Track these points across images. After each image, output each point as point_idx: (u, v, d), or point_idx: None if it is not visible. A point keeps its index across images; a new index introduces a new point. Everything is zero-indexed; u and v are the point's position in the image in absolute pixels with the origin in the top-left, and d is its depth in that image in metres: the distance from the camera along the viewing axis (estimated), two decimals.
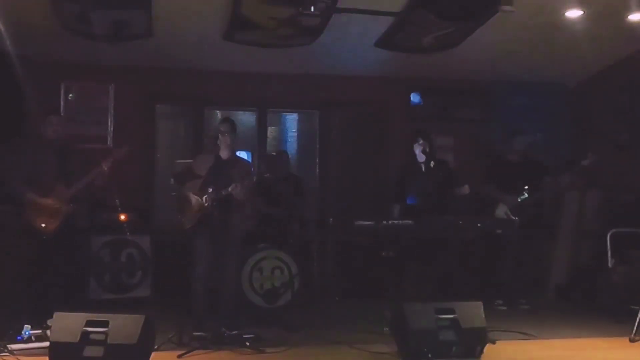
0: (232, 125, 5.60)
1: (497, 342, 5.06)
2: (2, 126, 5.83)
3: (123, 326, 4.15)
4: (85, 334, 4.10)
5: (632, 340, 5.36)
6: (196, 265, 5.49)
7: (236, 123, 5.73)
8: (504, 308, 6.70)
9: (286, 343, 5.15)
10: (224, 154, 5.55)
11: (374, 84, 7.93)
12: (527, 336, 5.53)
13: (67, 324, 4.15)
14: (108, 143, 7.25)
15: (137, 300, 6.55)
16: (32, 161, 5.34)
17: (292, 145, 8.76)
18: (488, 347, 4.79)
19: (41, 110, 5.67)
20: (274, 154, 7.77)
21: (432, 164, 5.97)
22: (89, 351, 4.07)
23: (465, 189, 5.96)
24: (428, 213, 5.74)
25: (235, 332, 5.29)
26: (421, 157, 5.98)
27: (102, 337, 4.10)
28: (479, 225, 5.72)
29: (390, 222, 5.59)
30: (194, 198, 5.41)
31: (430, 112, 8.06)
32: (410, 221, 5.62)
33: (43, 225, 5.23)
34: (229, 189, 5.30)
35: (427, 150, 5.96)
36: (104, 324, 4.14)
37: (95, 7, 5.53)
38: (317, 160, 8.31)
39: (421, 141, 6.03)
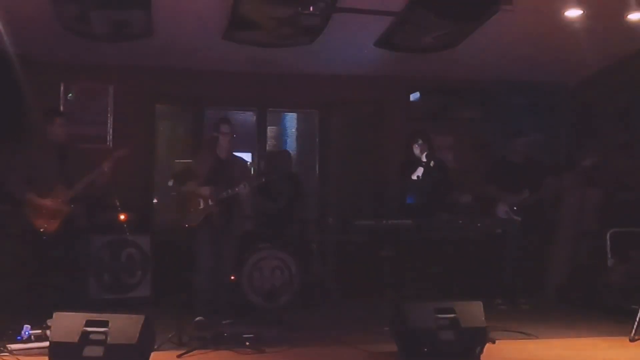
0: (232, 125, 5.63)
1: (497, 341, 5.06)
2: (3, 126, 5.82)
3: (123, 326, 4.11)
4: (85, 334, 4.06)
5: (632, 340, 5.35)
6: (199, 261, 5.53)
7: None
8: (504, 307, 6.68)
9: (286, 343, 5.14)
10: (222, 154, 5.58)
11: (373, 84, 7.90)
12: (526, 336, 5.51)
13: (66, 323, 4.11)
14: (108, 143, 7.22)
15: (138, 300, 6.51)
16: (34, 162, 5.34)
17: (291, 144, 8.73)
18: (488, 347, 4.76)
19: (43, 110, 5.63)
20: (275, 152, 7.76)
21: (432, 163, 5.95)
22: (89, 351, 4.04)
23: (467, 198, 5.94)
24: (426, 213, 5.71)
25: (230, 320, 5.32)
26: (422, 157, 5.94)
27: (102, 337, 4.06)
28: (478, 225, 5.69)
29: (390, 221, 5.57)
30: (200, 197, 5.45)
31: (429, 112, 8.03)
32: (409, 221, 5.61)
33: (43, 225, 5.22)
34: (237, 189, 5.34)
35: (426, 151, 5.93)
36: (104, 324, 4.10)
37: (94, 7, 5.49)
38: (317, 160, 8.28)
39: (420, 142, 6.00)
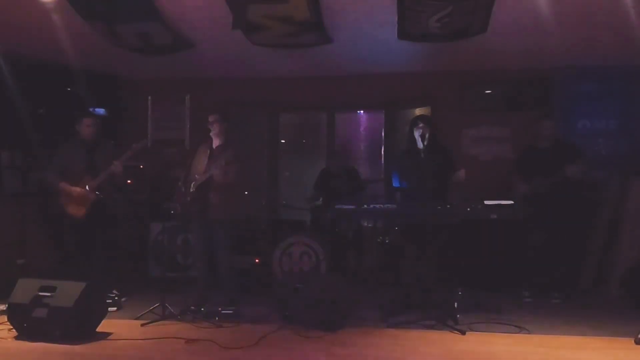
0: (220, 115, 5.50)
1: (487, 333, 4.66)
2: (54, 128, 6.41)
3: (65, 291, 4.26)
4: (36, 297, 4.28)
5: (637, 342, 4.31)
6: (195, 248, 5.46)
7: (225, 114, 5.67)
8: (529, 300, 5.70)
9: (254, 321, 4.96)
10: (215, 142, 5.49)
11: (427, 79, 7.28)
12: (518, 329, 4.77)
13: (24, 288, 4.37)
14: (186, 145, 7.49)
15: (190, 279, 6.62)
16: (66, 156, 5.67)
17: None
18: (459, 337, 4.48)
19: (74, 112, 5.98)
20: (332, 151, 7.49)
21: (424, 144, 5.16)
22: (37, 312, 4.24)
23: (461, 175, 5.11)
24: (425, 199, 5.00)
25: (232, 308, 5.16)
26: (420, 143, 5.22)
27: (48, 300, 4.25)
28: (468, 209, 4.89)
29: (371, 206, 5.02)
30: (183, 186, 5.42)
31: (485, 104, 7.14)
32: (393, 205, 5.01)
33: (73, 211, 5.54)
34: (208, 173, 5.27)
35: (427, 135, 5.20)
36: (53, 289, 4.28)
37: (117, 22, 5.65)
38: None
39: (420, 124, 5.31)
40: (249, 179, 6.74)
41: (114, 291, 5.57)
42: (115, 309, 5.29)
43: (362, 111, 8.28)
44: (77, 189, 5.54)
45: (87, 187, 5.52)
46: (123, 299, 5.55)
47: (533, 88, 7.02)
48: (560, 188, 5.55)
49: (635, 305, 5.38)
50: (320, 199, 6.97)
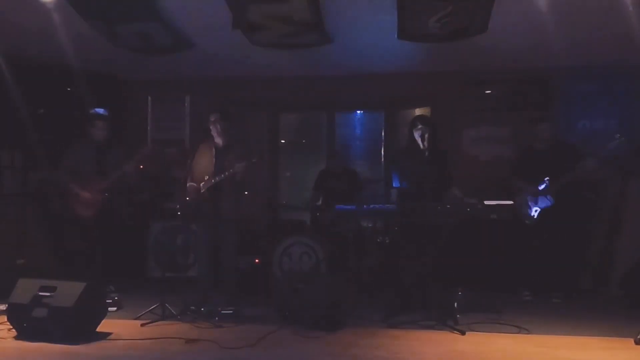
0: (222, 114, 5.46)
1: (486, 334, 4.63)
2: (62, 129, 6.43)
3: (65, 291, 4.26)
4: (36, 297, 4.28)
5: (637, 342, 4.29)
6: (198, 249, 5.44)
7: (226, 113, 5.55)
8: (529, 299, 5.70)
9: (254, 321, 4.94)
10: (218, 142, 5.44)
11: (427, 80, 7.26)
12: (520, 330, 4.73)
13: (24, 288, 4.38)
14: (186, 145, 7.50)
15: (190, 279, 6.60)
16: (77, 158, 5.71)
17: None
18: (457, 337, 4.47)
19: (86, 114, 6.00)
20: (332, 152, 7.48)
21: (424, 144, 5.14)
22: (37, 312, 4.24)
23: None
24: (425, 199, 4.99)
25: (232, 308, 5.15)
26: (421, 143, 5.20)
27: (48, 300, 4.25)
28: (468, 209, 4.87)
29: (371, 206, 5.01)
30: (190, 186, 5.38)
31: (485, 104, 7.14)
32: (393, 206, 5.00)
33: (82, 212, 5.56)
34: (226, 173, 5.19)
35: (427, 135, 5.19)
36: (53, 289, 4.29)
37: (116, 22, 5.65)
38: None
39: (419, 125, 5.28)
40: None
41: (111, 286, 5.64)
42: (115, 309, 5.28)
43: (362, 111, 8.24)
44: (85, 194, 5.58)
45: (96, 189, 5.57)
46: (115, 297, 5.49)
47: (533, 88, 7.05)
48: (560, 188, 5.57)
49: (635, 305, 5.39)
50: (320, 200, 7.01)
